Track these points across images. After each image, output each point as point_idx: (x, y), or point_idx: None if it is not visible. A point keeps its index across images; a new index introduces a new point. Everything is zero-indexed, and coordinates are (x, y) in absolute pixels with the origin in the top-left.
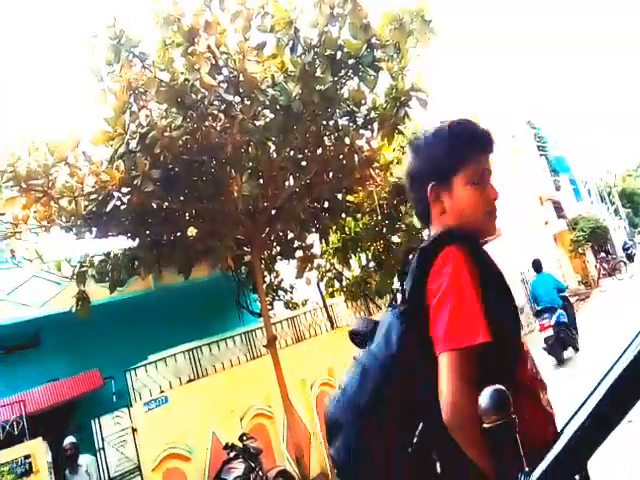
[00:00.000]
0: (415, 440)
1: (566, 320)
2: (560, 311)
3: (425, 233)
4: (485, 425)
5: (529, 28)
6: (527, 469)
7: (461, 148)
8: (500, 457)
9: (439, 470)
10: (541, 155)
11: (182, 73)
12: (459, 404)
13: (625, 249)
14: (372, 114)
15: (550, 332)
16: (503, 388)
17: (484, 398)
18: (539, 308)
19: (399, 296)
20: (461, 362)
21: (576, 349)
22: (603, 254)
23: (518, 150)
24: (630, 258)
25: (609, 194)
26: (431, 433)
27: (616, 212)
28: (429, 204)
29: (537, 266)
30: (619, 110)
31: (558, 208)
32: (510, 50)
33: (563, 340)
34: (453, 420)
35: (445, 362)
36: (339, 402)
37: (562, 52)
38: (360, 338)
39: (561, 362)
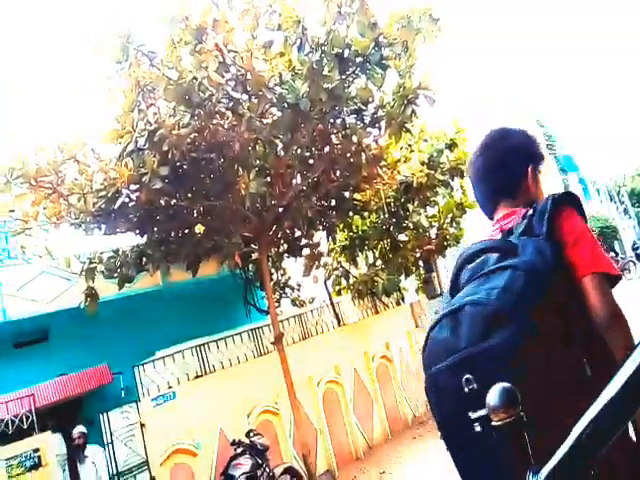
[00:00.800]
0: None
1: None
2: None
3: (433, 232)
4: (493, 423)
5: (539, 27)
6: (536, 466)
7: (540, 147)
8: (508, 455)
9: (589, 373)
10: (549, 154)
11: (190, 71)
12: (616, 308)
13: (634, 249)
14: (379, 112)
15: None
16: (511, 385)
17: (492, 395)
18: None
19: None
20: (606, 283)
21: None
22: (612, 254)
23: None
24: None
25: (618, 193)
26: (582, 337)
27: (625, 212)
28: (521, 179)
29: None
30: (629, 109)
31: None
32: (519, 49)
33: None
34: (614, 319)
35: (597, 280)
36: (502, 297)
37: (573, 51)
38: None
39: None
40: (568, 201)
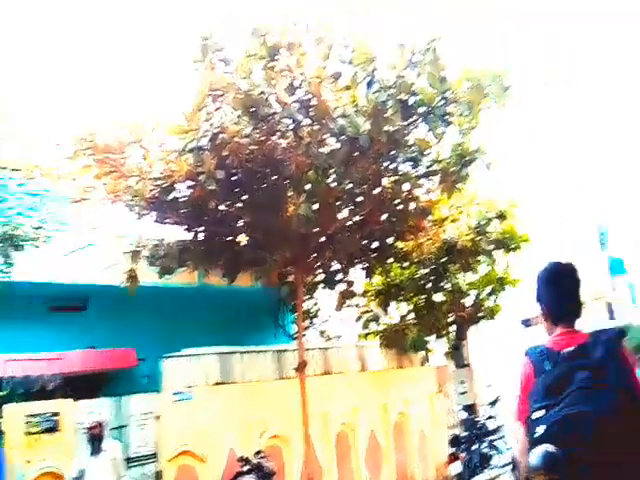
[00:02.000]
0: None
1: None
2: None
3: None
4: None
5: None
6: None
7: None
8: None
9: None
10: (601, 251)
11: (259, 85)
12: None
13: None
14: (434, 166)
15: None
16: (555, 451)
17: (535, 456)
18: None
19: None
20: None
21: None
22: None
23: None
24: None
25: None
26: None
27: None
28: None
29: None
30: None
31: (610, 310)
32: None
33: None
34: None
35: None
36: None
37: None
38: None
39: None
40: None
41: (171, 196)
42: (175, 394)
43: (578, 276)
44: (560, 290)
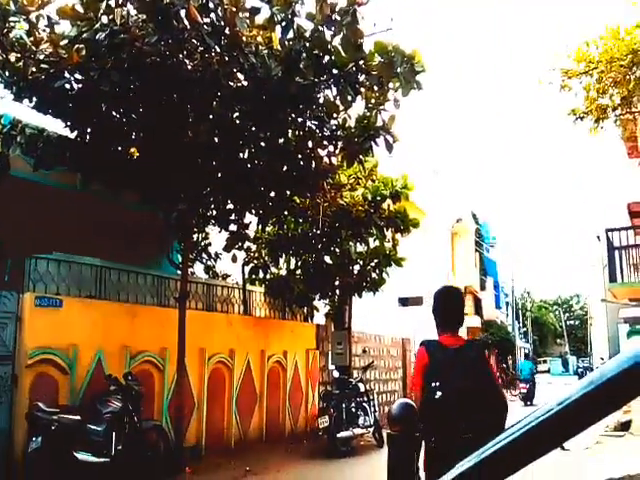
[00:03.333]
0: None
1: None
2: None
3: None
4: (389, 431)
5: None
6: None
7: None
8: (395, 464)
9: None
10: (476, 251)
11: None
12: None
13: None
14: (339, 132)
15: (524, 390)
16: (413, 404)
17: (395, 406)
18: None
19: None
20: None
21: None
22: (504, 365)
23: (459, 235)
24: None
25: (524, 315)
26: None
27: (525, 334)
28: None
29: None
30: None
31: (478, 305)
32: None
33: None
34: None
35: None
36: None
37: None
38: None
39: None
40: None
41: (58, 84)
42: (41, 298)
43: (462, 297)
44: (449, 307)
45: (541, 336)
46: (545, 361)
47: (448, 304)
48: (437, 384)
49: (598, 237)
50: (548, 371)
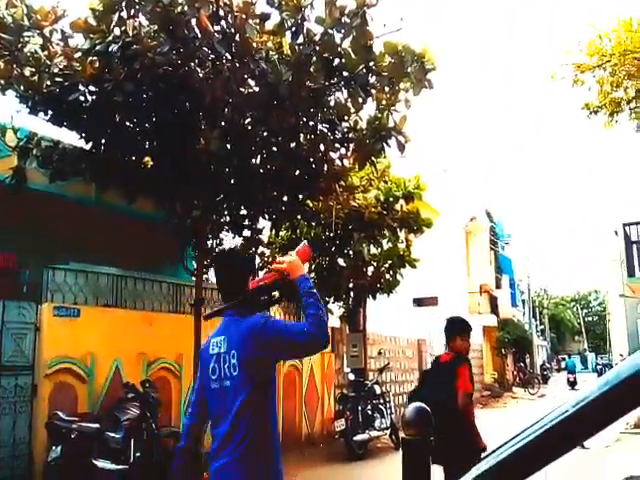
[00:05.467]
0: None
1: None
2: None
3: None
4: (403, 435)
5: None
6: None
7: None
8: (409, 468)
9: None
10: (491, 249)
11: (180, 4)
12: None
13: (543, 369)
14: (351, 135)
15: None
16: (427, 407)
17: (409, 410)
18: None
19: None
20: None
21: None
22: (522, 364)
23: (473, 233)
24: (545, 379)
25: (540, 313)
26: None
27: (542, 332)
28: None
29: None
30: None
31: (494, 304)
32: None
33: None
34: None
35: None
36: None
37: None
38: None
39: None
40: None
41: (72, 97)
42: (59, 308)
43: (460, 326)
44: (447, 335)
45: (559, 333)
46: (564, 359)
47: (447, 332)
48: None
49: (615, 231)
50: (566, 368)
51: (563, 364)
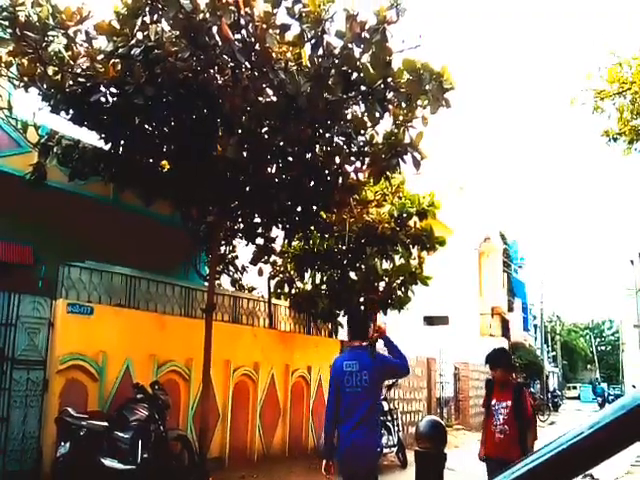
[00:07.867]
0: None
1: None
2: None
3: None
4: (416, 448)
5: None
6: None
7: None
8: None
9: None
10: (504, 271)
11: (202, 12)
12: None
13: (553, 396)
14: (366, 149)
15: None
16: (441, 421)
17: (423, 423)
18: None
19: None
20: None
21: None
22: (532, 390)
23: (487, 254)
24: (555, 406)
25: (552, 339)
26: None
27: (554, 359)
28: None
29: None
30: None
31: (505, 327)
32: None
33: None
34: None
35: None
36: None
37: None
38: None
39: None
40: None
41: (93, 98)
42: (73, 305)
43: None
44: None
45: (571, 361)
46: (575, 387)
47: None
48: None
49: (631, 261)
50: (578, 397)
51: (574, 393)
